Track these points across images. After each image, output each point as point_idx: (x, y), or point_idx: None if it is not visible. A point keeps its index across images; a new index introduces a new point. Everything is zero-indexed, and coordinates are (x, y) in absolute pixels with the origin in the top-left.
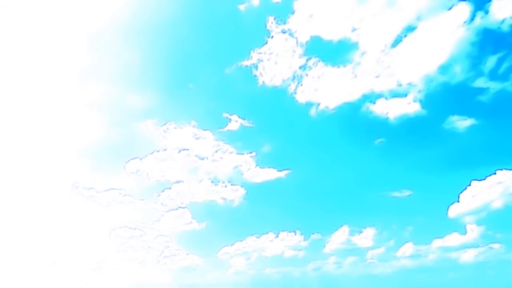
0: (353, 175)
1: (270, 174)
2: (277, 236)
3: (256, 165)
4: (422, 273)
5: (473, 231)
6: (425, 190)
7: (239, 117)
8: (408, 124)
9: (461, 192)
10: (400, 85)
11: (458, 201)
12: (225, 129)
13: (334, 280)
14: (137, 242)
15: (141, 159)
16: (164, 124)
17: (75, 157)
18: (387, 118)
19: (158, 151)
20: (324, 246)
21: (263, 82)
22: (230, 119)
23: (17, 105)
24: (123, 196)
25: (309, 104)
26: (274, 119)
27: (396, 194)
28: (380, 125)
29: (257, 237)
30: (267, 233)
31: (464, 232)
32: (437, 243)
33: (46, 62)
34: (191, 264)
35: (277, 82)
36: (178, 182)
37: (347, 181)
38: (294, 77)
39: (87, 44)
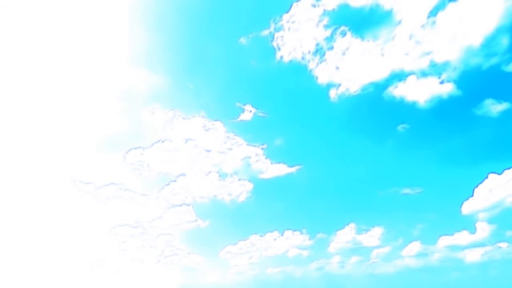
0: (366, 170)
1: (280, 169)
2: (282, 235)
3: (266, 158)
4: (425, 272)
5: (484, 230)
6: (439, 185)
7: (253, 106)
8: (438, 108)
9: (476, 187)
10: (434, 63)
11: (473, 196)
12: (238, 119)
13: (335, 279)
14: (138, 240)
15: (143, 149)
16: (171, 110)
17: (72, 148)
18: (415, 101)
19: (163, 141)
20: (329, 245)
21: (281, 57)
22: (244, 109)
23: (11, 96)
24: (123, 191)
25: (329, 85)
26: (290, 106)
27: (407, 191)
28: (406, 109)
29: (261, 236)
30: (271, 232)
31: (474, 230)
32: (444, 242)
33: (46, 48)
34: (192, 263)
35: (297, 56)
36: (182, 175)
37: (359, 177)
38: (316, 51)
39: (91, 23)
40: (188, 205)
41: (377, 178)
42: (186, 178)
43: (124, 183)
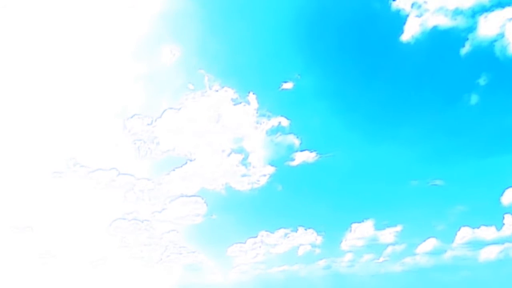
0: (405, 152)
1: (307, 156)
2: (294, 231)
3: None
4: (432, 272)
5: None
6: (473, 175)
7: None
8: None
9: None
10: None
11: None
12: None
13: (339, 279)
14: (138, 236)
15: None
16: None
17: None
18: None
19: (179, 109)
20: (341, 243)
21: None
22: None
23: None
24: (119, 175)
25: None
26: None
27: (437, 182)
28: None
29: (271, 232)
30: (284, 228)
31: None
32: (463, 238)
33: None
34: (196, 262)
35: None
36: (192, 160)
37: (393, 161)
38: None
39: None
40: (199, 197)
41: (410, 164)
42: (199, 160)
43: (117, 168)
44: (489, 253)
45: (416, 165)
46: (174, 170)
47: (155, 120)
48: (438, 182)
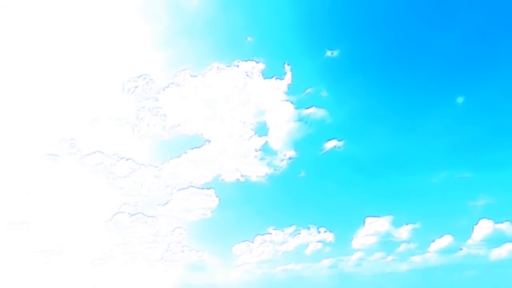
0: (432, 143)
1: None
2: (304, 228)
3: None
4: (438, 272)
5: None
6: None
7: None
8: None
9: None
10: None
11: None
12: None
13: (339, 279)
14: (139, 233)
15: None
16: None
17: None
18: None
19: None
20: (353, 239)
21: None
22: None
23: None
24: (118, 160)
25: None
26: None
27: (465, 174)
28: None
29: (281, 230)
30: (296, 225)
31: None
32: (482, 234)
33: None
34: (199, 261)
35: None
36: (204, 141)
37: (421, 152)
38: None
39: None
40: (209, 189)
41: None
42: (214, 142)
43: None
44: (502, 251)
45: (443, 156)
46: (180, 155)
47: (163, 90)
48: (465, 174)
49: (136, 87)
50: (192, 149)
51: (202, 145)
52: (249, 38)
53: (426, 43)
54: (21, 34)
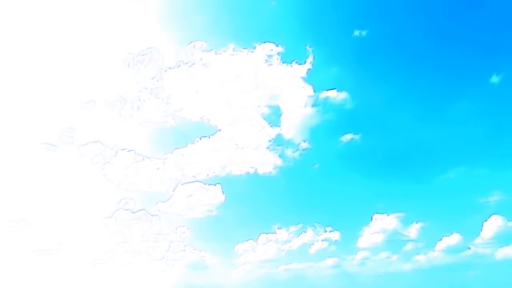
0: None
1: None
2: (312, 226)
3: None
4: (443, 271)
5: None
6: None
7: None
8: None
9: None
10: None
11: None
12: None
13: (341, 278)
14: (139, 230)
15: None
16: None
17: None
18: None
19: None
20: (359, 238)
21: None
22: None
23: None
24: (118, 151)
25: None
26: None
27: (481, 170)
28: None
29: (286, 228)
30: (303, 223)
31: None
32: (493, 231)
33: None
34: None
35: None
36: (214, 128)
37: (434, 145)
38: None
39: None
40: (215, 185)
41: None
42: (220, 133)
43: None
44: (508, 250)
45: (463, 149)
46: (185, 145)
47: (170, 68)
48: (481, 170)
49: (139, 62)
50: (198, 138)
51: (209, 134)
52: (269, 18)
53: (459, 22)
54: (18, 17)
